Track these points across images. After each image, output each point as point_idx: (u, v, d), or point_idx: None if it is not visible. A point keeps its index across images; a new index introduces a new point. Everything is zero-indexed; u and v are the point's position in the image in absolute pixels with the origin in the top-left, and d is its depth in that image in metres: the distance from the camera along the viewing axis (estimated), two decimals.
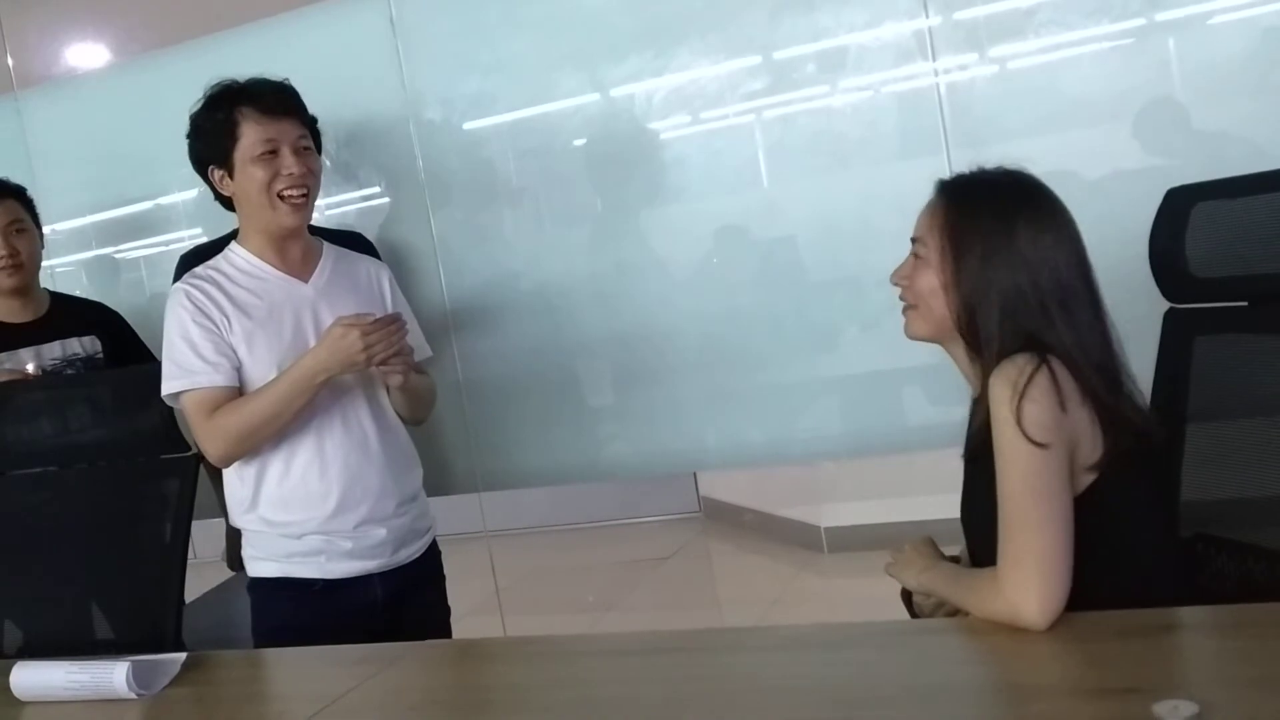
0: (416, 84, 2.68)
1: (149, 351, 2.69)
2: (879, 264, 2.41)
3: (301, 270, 2.11)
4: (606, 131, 2.61)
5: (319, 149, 2.13)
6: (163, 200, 3.00)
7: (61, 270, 3.12)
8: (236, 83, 2.05)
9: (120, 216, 3.07)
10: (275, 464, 2.03)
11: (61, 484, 2.27)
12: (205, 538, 2.35)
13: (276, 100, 2.02)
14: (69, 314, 2.70)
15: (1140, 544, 1.46)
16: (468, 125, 2.71)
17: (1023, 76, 2.30)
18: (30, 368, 2.55)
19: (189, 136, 2.11)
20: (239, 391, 2.00)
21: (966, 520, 1.59)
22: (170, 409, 2.09)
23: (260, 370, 2.01)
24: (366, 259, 2.27)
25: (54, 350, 2.62)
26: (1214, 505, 1.56)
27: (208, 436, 1.99)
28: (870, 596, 1.76)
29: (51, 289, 2.77)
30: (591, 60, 2.58)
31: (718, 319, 2.56)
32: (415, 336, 2.16)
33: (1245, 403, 1.44)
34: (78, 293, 2.95)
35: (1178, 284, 1.62)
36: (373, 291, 2.18)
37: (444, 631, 2.22)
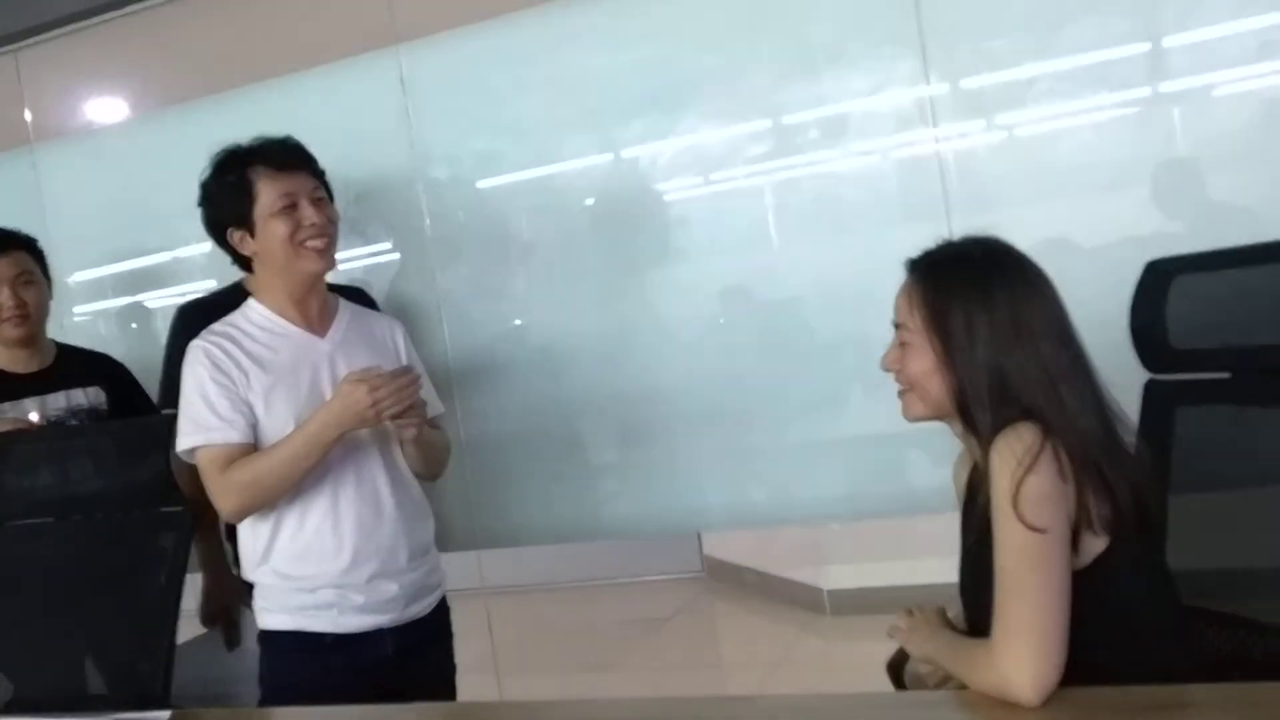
0: (425, 142, 2.71)
1: (152, 404, 2.69)
2: (882, 328, 2.43)
3: (319, 325, 2.13)
4: (612, 192, 2.63)
5: (331, 198, 2.15)
6: (178, 253, 3.03)
7: (76, 321, 3.14)
8: (242, 146, 2.09)
9: (134, 269, 3.10)
10: (289, 519, 2.04)
11: (57, 536, 2.26)
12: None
13: (286, 156, 2.07)
14: (74, 365, 2.70)
15: (1145, 613, 1.44)
16: (475, 184, 2.73)
17: (1023, 144, 2.32)
18: (34, 418, 2.55)
19: (201, 203, 2.13)
20: (254, 447, 2.01)
21: (966, 589, 1.57)
22: (168, 463, 2.09)
23: (277, 425, 2.01)
24: (381, 315, 2.31)
25: (58, 401, 2.62)
26: (1197, 576, 1.55)
27: (221, 492, 2.00)
28: (872, 661, 1.74)
29: (60, 340, 2.79)
30: (598, 121, 2.61)
31: (722, 379, 2.56)
32: (428, 392, 2.16)
33: (1228, 474, 1.43)
34: (92, 344, 2.96)
35: (1158, 355, 1.62)
36: (387, 347, 2.20)
37: (448, 689, 2.21)
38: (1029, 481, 1.33)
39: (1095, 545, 1.39)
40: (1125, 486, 1.39)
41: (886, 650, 1.73)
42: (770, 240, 2.54)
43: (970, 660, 1.40)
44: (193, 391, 2.03)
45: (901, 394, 1.56)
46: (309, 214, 2.04)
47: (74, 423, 2.60)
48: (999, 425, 1.41)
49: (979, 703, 1.36)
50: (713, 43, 2.52)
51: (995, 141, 2.36)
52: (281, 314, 2.10)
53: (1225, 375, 1.57)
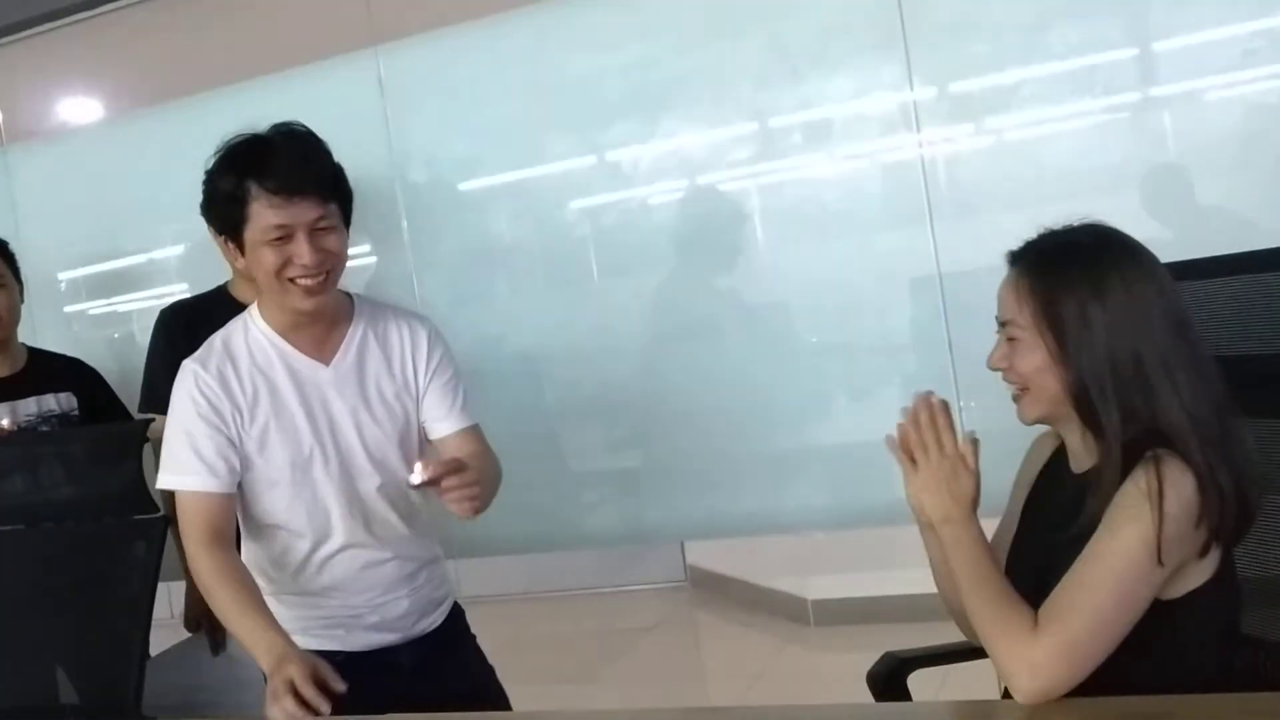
0: (404, 145, 2.69)
1: (125, 409, 2.65)
2: (867, 333, 2.44)
3: (323, 349, 1.90)
4: (592, 196, 2.61)
5: (348, 216, 1.86)
6: (153, 255, 3.00)
7: (48, 324, 3.10)
8: (254, 140, 1.80)
9: (108, 270, 3.06)
10: (290, 557, 1.89)
11: (29, 543, 2.22)
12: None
13: (290, 179, 1.75)
14: (46, 370, 2.67)
15: (1219, 639, 1.40)
16: (455, 187, 2.71)
17: (1007, 149, 2.32)
18: (4, 423, 2.52)
19: (204, 193, 1.87)
20: (232, 499, 1.83)
21: (1024, 572, 1.46)
22: (140, 469, 2.05)
23: (272, 470, 1.85)
24: (403, 318, 1.99)
25: (29, 406, 2.59)
26: None
27: (190, 553, 1.81)
28: (856, 672, 1.72)
29: (32, 344, 2.75)
30: (580, 124, 2.60)
31: (705, 386, 2.54)
32: (455, 402, 1.94)
33: None
34: (64, 348, 2.92)
35: None
36: (405, 365, 1.94)
37: (495, 692, 2.04)
38: (1168, 521, 1.27)
39: (1195, 575, 1.33)
40: (1232, 485, 1.31)
41: (870, 663, 1.71)
42: (754, 245, 2.53)
43: (997, 611, 1.32)
44: (177, 424, 1.85)
45: (1016, 396, 1.45)
46: (303, 251, 1.76)
47: (45, 428, 2.57)
48: (1124, 423, 1.34)
49: (968, 713, 1.33)
50: (695, 45, 2.50)
51: (980, 146, 2.35)
52: (284, 334, 1.89)
53: None
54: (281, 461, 1.84)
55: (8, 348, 2.62)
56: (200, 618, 2.56)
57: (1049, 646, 1.27)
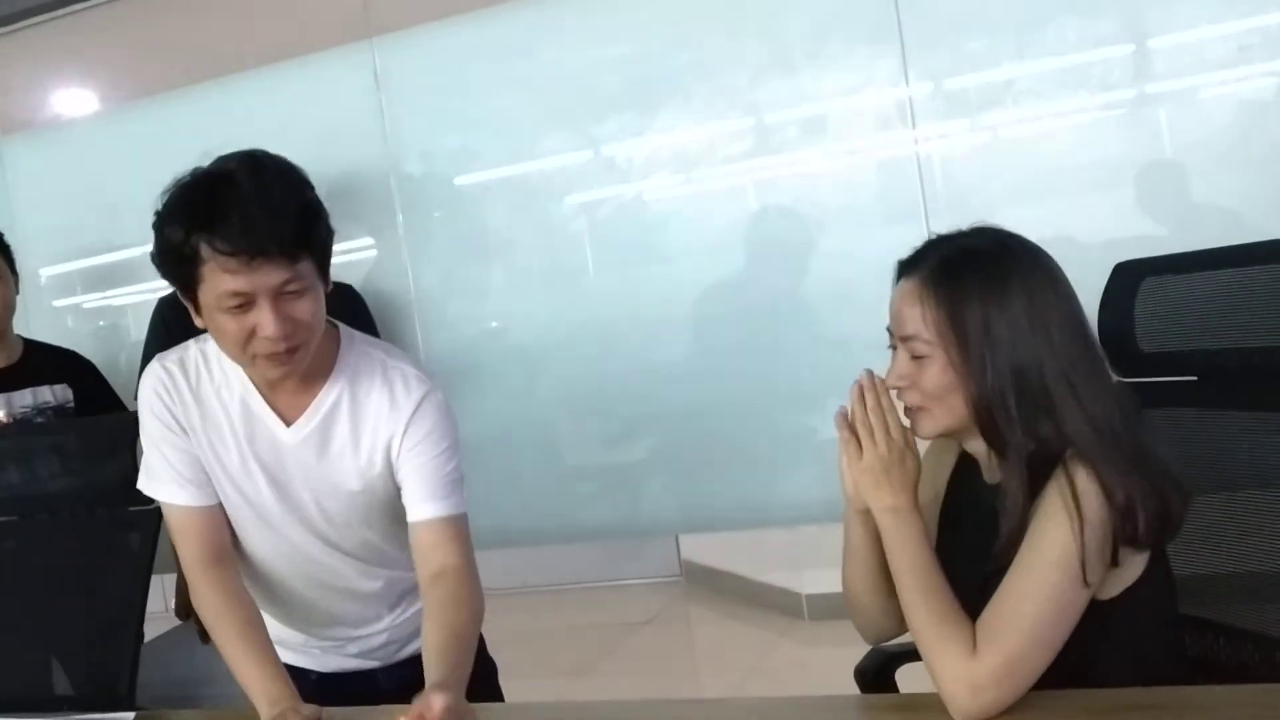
0: (399, 138, 2.68)
1: (120, 401, 2.66)
2: (862, 328, 2.43)
3: (290, 406, 1.62)
4: (588, 189, 2.61)
5: (325, 267, 1.53)
6: (148, 248, 2.99)
7: (42, 317, 3.09)
8: (207, 183, 1.46)
9: (103, 263, 3.05)
10: (259, 596, 1.76)
11: (22, 534, 2.22)
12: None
13: (248, 239, 1.41)
14: (41, 362, 2.67)
15: (1159, 640, 1.38)
16: (451, 180, 2.71)
17: (1003, 146, 2.32)
18: (0, 415, 2.52)
19: (154, 238, 1.53)
20: (216, 511, 1.66)
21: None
22: (135, 462, 2.04)
23: (229, 504, 1.66)
24: (394, 384, 1.63)
25: (24, 398, 2.59)
26: None
27: (190, 584, 1.68)
28: (849, 667, 1.72)
29: (27, 336, 2.75)
30: (576, 118, 2.60)
31: (699, 380, 2.55)
32: (441, 487, 1.61)
33: (1192, 479, 1.41)
34: (58, 340, 2.92)
35: (1125, 358, 1.61)
36: (375, 445, 1.62)
37: (492, 692, 1.90)
38: (1089, 528, 1.23)
39: (1127, 572, 1.30)
40: (1150, 490, 1.27)
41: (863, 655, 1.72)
42: (750, 240, 2.53)
43: (939, 621, 1.28)
44: (145, 427, 1.68)
45: (913, 412, 1.38)
46: (267, 322, 1.44)
47: (40, 420, 2.57)
48: (1027, 434, 1.29)
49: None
50: (691, 40, 2.50)
51: (975, 142, 2.35)
52: (251, 378, 1.63)
53: (1191, 379, 1.57)
54: (237, 500, 1.66)
55: (3, 340, 2.62)
56: (189, 606, 2.56)
57: (990, 666, 1.23)
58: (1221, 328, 1.52)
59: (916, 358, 1.35)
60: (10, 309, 2.63)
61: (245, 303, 1.45)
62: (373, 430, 1.62)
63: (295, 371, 1.56)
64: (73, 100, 3.13)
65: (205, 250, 1.42)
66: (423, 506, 1.60)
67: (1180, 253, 1.61)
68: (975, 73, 2.33)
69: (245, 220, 1.41)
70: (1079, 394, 1.29)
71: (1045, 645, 1.25)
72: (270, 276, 1.43)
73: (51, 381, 2.62)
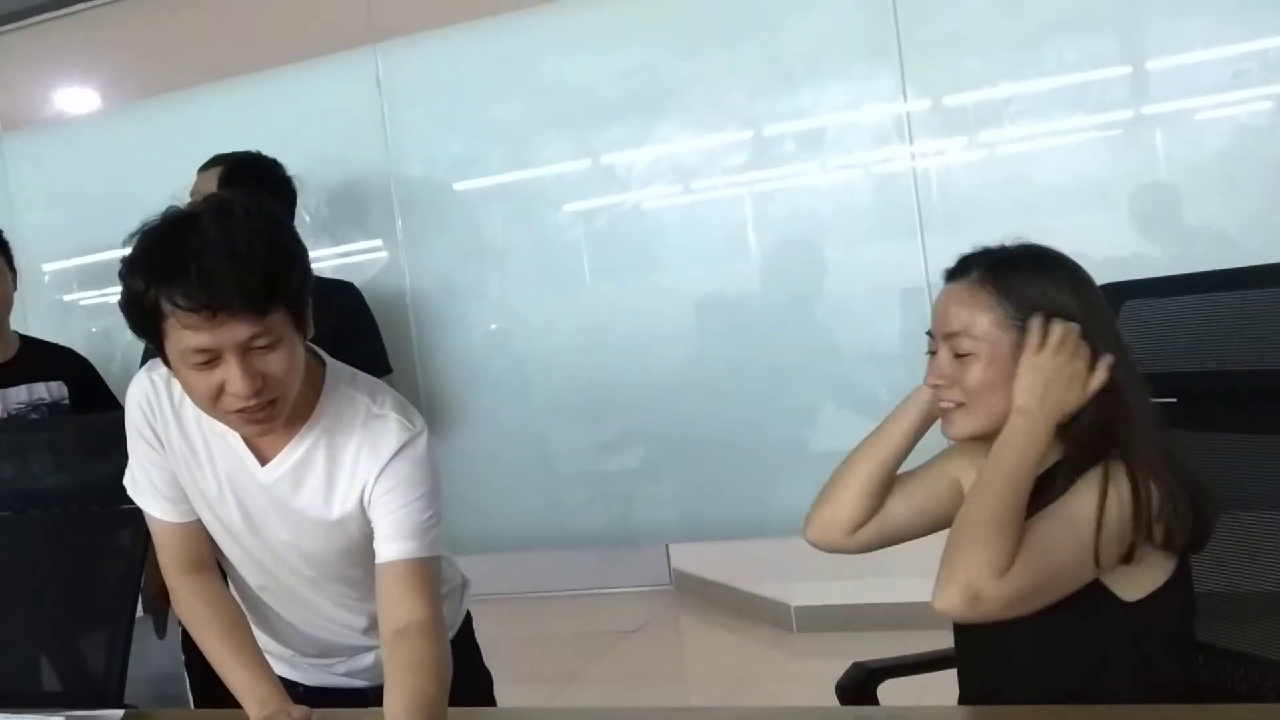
0: (400, 143, 2.69)
1: (115, 399, 2.65)
2: (855, 341, 2.45)
3: (267, 447, 1.55)
4: (586, 198, 2.62)
5: (300, 314, 1.41)
6: None
7: (40, 313, 3.10)
8: (169, 231, 1.35)
9: (102, 261, 3.06)
10: (244, 595, 1.73)
11: (14, 530, 2.22)
12: None
13: (210, 294, 1.31)
14: (37, 359, 2.66)
15: (1175, 643, 1.39)
16: (451, 186, 2.72)
17: (999, 163, 2.34)
18: None
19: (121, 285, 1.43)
20: (195, 526, 1.62)
21: None
22: (127, 460, 2.05)
23: (211, 534, 1.63)
24: (374, 435, 1.54)
25: (20, 394, 2.58)
26: None
27: (170, 588, 1.65)
28: (837, 679, 1.72)
29: (24, 333, 2.75)
30: (576, 127, 2.61)
31: (693, 390, 2.55)
32: (409, 531, 1.51)
33: None
34: (56, 337, 2.92)
35: None
36: (348, 498, 1.55)
37: (488, 704, 1.87)
38: (1108, 518, 1.26)
39: (1151, 576, 1.32)
40: (1183, 491, 1.30)
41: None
42: (746, 252, 2.54)
43: (998, 531, 1.26)
44: (129, 433, 1.64)
45: (949, 413, 1.40)
46: (235, 379, 1.36)
47: (35, 416, 2.57)
48: (1085, 445, 1.32)
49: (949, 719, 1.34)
50: (692, 52, 2.52)
51: (972, 159, 2.37)
52: None
53: (1172, 400, 1.58)
54: (216, 526, 1.62)
55: (0, 336, 2.62)
56: (152, 600, 2.53)
57: (1002, 585, 1.24)
58: (1202, 350, 1.54)
59: (959, 356, 1.38)
60: (8, 305, 2.63)
61: (211, 359, 1.37)
62: (348, 477, 1.55)
63: (273, 428, 1.48)
64: (75, 98, 3.14)
65: (166, 305, 1.33)
66: (388, 547, 1.51)
67: (1161, 276, 1.63)
68: (973, 90, 2.34)
69: (203, 274, 1.30)
70: (1129, 400, 1.33)
71: (1048, 585, 1.26)
72: (235, 332, 1.34)
73: (47, 378, 2.62)
